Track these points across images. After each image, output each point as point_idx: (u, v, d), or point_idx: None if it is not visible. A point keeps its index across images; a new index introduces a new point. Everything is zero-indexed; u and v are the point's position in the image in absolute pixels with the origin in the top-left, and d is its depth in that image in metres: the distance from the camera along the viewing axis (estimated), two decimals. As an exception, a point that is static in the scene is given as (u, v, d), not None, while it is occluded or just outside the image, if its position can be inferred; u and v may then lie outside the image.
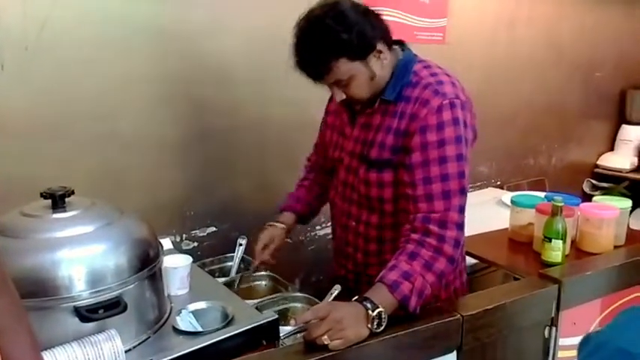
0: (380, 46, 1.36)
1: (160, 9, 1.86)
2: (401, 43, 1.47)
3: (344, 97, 1.40)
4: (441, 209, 1.31)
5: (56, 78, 1.71)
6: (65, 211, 1.28)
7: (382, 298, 1.23)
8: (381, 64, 1.38)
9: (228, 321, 1.33)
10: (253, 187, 2.22)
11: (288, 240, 2.28)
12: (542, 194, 2.01)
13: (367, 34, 1.32)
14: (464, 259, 1.67)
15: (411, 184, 1.35)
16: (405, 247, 1.32)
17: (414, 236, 1.32)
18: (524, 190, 3.10)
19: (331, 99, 1.66)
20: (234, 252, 1.97)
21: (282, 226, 1.71)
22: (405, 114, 1.38)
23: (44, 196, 1.29)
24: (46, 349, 1.10)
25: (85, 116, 1.78)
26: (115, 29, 1.78)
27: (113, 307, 1.18)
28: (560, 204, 1.65)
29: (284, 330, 1.38)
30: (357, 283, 1.58)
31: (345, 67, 1.33)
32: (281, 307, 1.61)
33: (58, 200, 1.28)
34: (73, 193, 1.31)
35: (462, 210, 1.34)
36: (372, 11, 1.38)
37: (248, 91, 2.11)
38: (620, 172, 3.63)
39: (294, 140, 2.22)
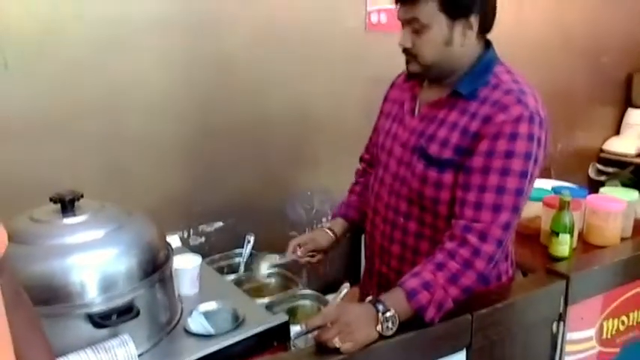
0: (473, 20, 1.28)
1: (163, 7, 1.85)
2: (488, 42, 1.38)
3: (409, 43, 1.30)
4: (487, 221, 1.24)
5: (60, 77, 1.71)
6: (75, 215, 1.28)
7: (397, 304, 1.21)
8: (462, 41, 1.29)
9: (239, 323, 1.34)
10: (259, 182, 2.22)
11: (295, 232, 2.34)
12: (549, 186, 2.00)
13: None
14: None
15: (464, 187, 1.28)
16: (435, 255, 1.27)
17: (448, 245, 1.26)
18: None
19: (392, 85, 1.58)
20: (241, 246, 1.99)
21: (328, 231, 1.61)
22: (477, 115, 1.29)
23: (53, 200, 1.29)
24: (59, 356, 1.11)
25: (89, 115, 1.79)
26: (118, 28, 1.78)
27: (126, 312, 1.19)
28: (567, 198, 1.65)
29: (294, 330, 1.40)
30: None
31: (430, 9, 1.25)
32: (291, 305, 1.63)
33: (67, 205, 1.29)
34: (82, 196, 1.32)
35: (507, 227, 1.26)
36: None
37: (252, 86, 2.11)
38: (626, 156, 3.61)
39: (298, 134, 2.23)
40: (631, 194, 1.85)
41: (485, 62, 1.33)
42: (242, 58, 2.07)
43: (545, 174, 3.32)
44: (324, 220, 2.44)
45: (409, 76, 1.43)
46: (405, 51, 1.33)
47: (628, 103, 3.71)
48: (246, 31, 2.05)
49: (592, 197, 1.84)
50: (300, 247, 1.57)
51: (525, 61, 3.07)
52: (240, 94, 2.09)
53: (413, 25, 1.29)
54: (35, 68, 1.66)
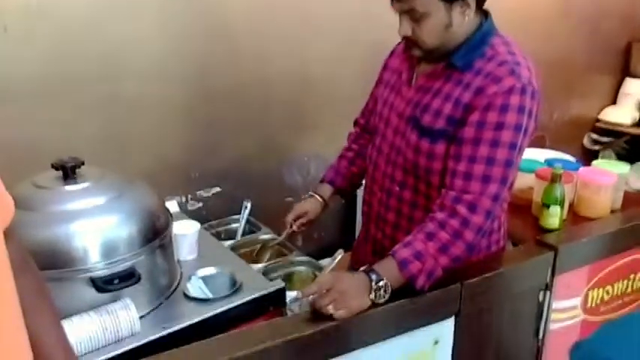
0: (470, 0, 1.28)
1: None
2: (486, 12, 1.38)
3: (409, 32, 1.30)
4: (476, 191, 1.27)
5: (59, 40, 1.71)
6: (76, 182, 1.31)
7: (389, 273, 1.26)
8: (462, 20, 1.29)
9: (236, 288, 1.39)
10: (257, 147, 2.23)
11: (291, 198, 2.37)
12: (543, 157, 2.03)
13: None
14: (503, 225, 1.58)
15: (455, 157, 1.31)
16: (426, 224, 1.30)
17: (439, 215, 1.29)
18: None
19: (392, 53, 1.59)
20: (238, 212, 2.02)
21: (318, 198, 1.65)
22: (470, 86, 1.30)
23: (55, 167, 1.31)
24: (64, 319, 1.15)
25: (88, 78, 1.79)
26: (117, -10, 1.76)
27: (128, 277, 1.23)
28: (559, 171, 1.68)
29: (290, 295, 1.44)
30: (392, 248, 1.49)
31: None
32: (287, 270, 1.67)
33: (69, 171, 1.31)
34: (83, 163, 1.34)
35: (496, 198, 1.28)
36: None
37: (251, 50, 2.10)
38: (621, 126, 3.63)
39: (298, 100, 2.23)
40: (622, 167, 1.88)
41: (482, 35, 1.34)
42: (241, 21, 2.06)
43: (540, 143, 3.34)
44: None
45: (411, 57, 1.43)
46: (406, 38, 1.33)
47: (626, 72, 3.70)
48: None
49: (583, 170, 1.88)
50: (294, 222, 1.62)
51: (523, 29, 3.06)
52: (239, 58, 2.09)
53: (411, 15, 1.28)
54: (34, 31, 1.65)
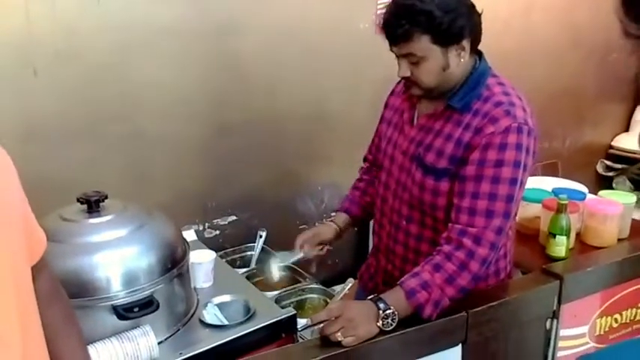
0: (465, 43, 1.34)
1: (181, 13, 1.94)
2: (479, 52, 1.44)
3: (408, 73, 1.36)
4: (480, 225, 1.32)
5: (84, 82, 1.82)
6: (100, 215, 1.39)
7: (397, 302, 1.31)
8: (458, 62, 1.35)
9: (250, 315, 1.45)
10: (271, 178, 2.31)
11: (305, 226, 2.44)
12: (552, 186, 2.07)
13: (459, 24, 1.30)
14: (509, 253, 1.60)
15: (459, 194, 1.36)
16: (433, 257, 1.35)
17: (445, 248, 1.34)
18: (537, 174, 3.15)
19: (392, 92, 1.65)
20: (254, 240, 2.09)
21: (332, 224, 1.70)
22: (470, 126, 1.36)
23: (80, 201, 1.40)
24: (87, 344, 1.22)
25: (111, 117, 1.90)
26: (139, 33, 1.87)
27: (147, 306, 1.30)
28: (564, 202, 1.72)
29: (301, 322, 1.50)
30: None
31: (424, 44, 1.30)
32: (299, 298, 1.72)
33: (93, 205, 1.39)
34: (106, 197, 1.42)
35: (500, 232, 1.34)
36: (474, 7, 1.36)
37: (264, 87, 2.19)
38: (635, 153, 3.64)
39: (310, 132, 2.31)
40: (628, 197, 1.91)
41: (478, 75, 1.40)
42: (255, 59, 2.15)
43: (552, 169, 3.38)
44: (332, 214, 2.53)
45: (411, 96, 1.49)
46: (405, 79, 1.40)
47: (637, 100, 3.73)
48: (260, 32, 2.13)
49: (590, 200, 1.91)
50: (303, 244, 1.64)
51: (535, 59, 3.15)
52: (253, 93, 2.18)
53: (409, 58, 1.35)
54: (61, 74, 1.76)
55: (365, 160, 1.81)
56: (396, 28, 1.31)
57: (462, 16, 1.30)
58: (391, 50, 1.38)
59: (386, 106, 1.67)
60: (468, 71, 1.40)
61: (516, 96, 1.40)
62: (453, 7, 1.29)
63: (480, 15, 1.37)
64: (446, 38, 1.31)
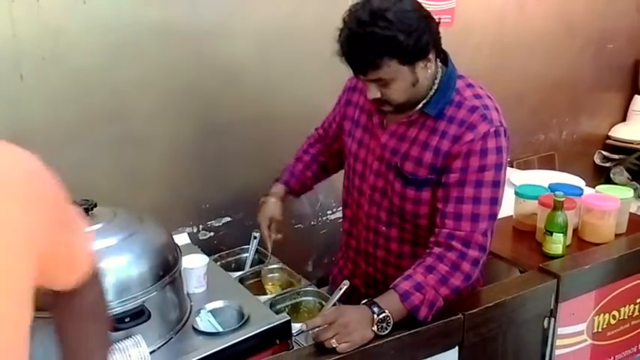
0: (431, 56, 1.32)
1: (169, 14, 1.91)
2: (444, 53, 1.42)
3: (379, 95, 1.33)
4: (467, 229, 1.34)
5: (72, 85, 1.78)
6: (89, 224, 1.36)
7: (391, 305, 1.30)
8: (426, 73, 1.34)
9: (244, 321, 1.43)
10: (265, 178, 2.25)
11: (300, 225, 2.42)
12: (547, 182, 2.05)
13: (424, 40, 1.27)
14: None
15: (443, 199, 1.37)
16: (424, 259, 1.36)
17: (436, 250, 1.36)
18: (534, 166, 3.13)
19: (354, 88, 1.60)
20: (249, 241, 2.07)
21: (275, 200, 1.73)
22: (447, 134, 1.36)
23: (69, 209, 1.37)
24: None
25: (100, 120, 1.86)
26: (126, 35, 1.84)
27: (138, 315, 1.28)
28: (561, 199, 1.70)
29: (296, 327, 1.48)
30: (385, 280, 1.52)
31: (393, 68, 1.28)
32: (294, 301, 1.71)
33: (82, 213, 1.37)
34: (95, 205, 1.40)
35: (486, 233, 1.37)
36: (432, 16, 1.32)
37: (257, 88, 2.16)
38: (632, 143, 3.63)
39: (303, 132, 2.26)
40: (625, 192, 1.89)
41: (447, 80, 1.39)
42: (246, 60, 2.12)
43: (549, 161, 3.36)
44: (328, 212, 2.52)
45: (382, 112, 1.44)
46: (375, 100, 1.36)
47: (635, 89, 3.70)
48: (249, 33, 2.10)
49: (587, 196, 1.89)
50: (270, 232, 1.71)
51: (530, 50, 3.12)
52: (244, 94, 2.15)
53: (378, 82, 1.32)
54: (48, 78, 1.73)
55: (316, 130, 1.81)
56: (361, 58, 1.29)
57: (424, 31, 1.27)
58: (356, 77, 1.36)
59: (348, 102, 1.62)
60: (437, 75, 1.39)
61: (487, 96, 1.40)
62: (414, 27, 1.25)
63: (437, 21, 1.34)
64: (413, 57, 1.29)
